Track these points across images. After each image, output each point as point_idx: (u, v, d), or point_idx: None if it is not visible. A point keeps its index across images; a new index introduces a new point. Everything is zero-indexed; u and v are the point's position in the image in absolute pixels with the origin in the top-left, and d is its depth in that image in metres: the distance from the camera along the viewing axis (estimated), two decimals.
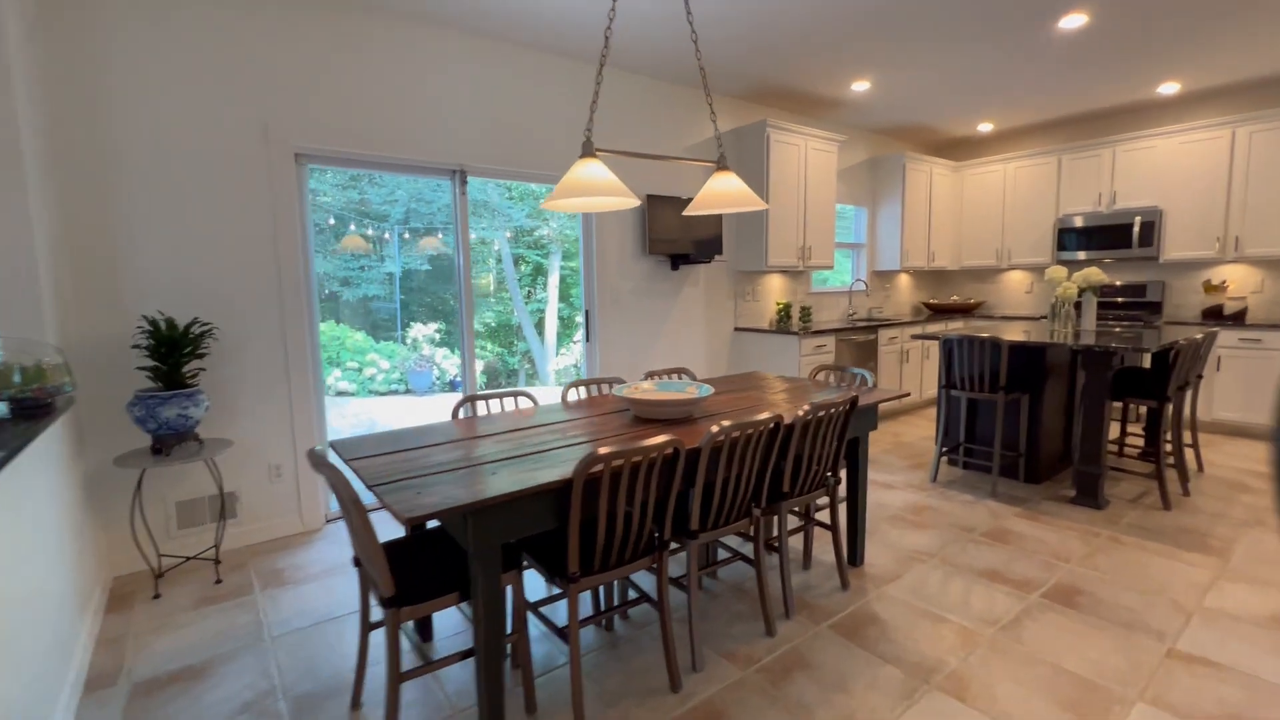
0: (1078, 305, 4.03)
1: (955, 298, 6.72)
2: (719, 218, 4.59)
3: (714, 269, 4.89)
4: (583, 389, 2.93)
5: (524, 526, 1.65)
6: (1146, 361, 4.46)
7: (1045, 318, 5.64)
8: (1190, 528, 3.03)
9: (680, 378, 3.25)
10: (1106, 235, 5.42)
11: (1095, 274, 3.87)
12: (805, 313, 5.25)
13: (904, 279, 6.66)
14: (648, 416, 2.27)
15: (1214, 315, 5.02)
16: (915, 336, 4.11)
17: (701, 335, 4.87)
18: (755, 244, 4.80)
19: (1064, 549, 2.82)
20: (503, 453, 1.88)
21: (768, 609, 2.21)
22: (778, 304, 5.22)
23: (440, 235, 7.51)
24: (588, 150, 2.04)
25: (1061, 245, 5.69)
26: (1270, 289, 4.94)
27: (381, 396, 8.89)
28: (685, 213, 2.53)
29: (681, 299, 4.70)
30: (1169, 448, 3.67)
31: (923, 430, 5.11)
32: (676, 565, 2.75)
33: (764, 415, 2.00)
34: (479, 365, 8.47)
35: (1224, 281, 5.06)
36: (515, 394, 2.74)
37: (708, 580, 2.60)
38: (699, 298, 4.81)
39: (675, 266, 4.57)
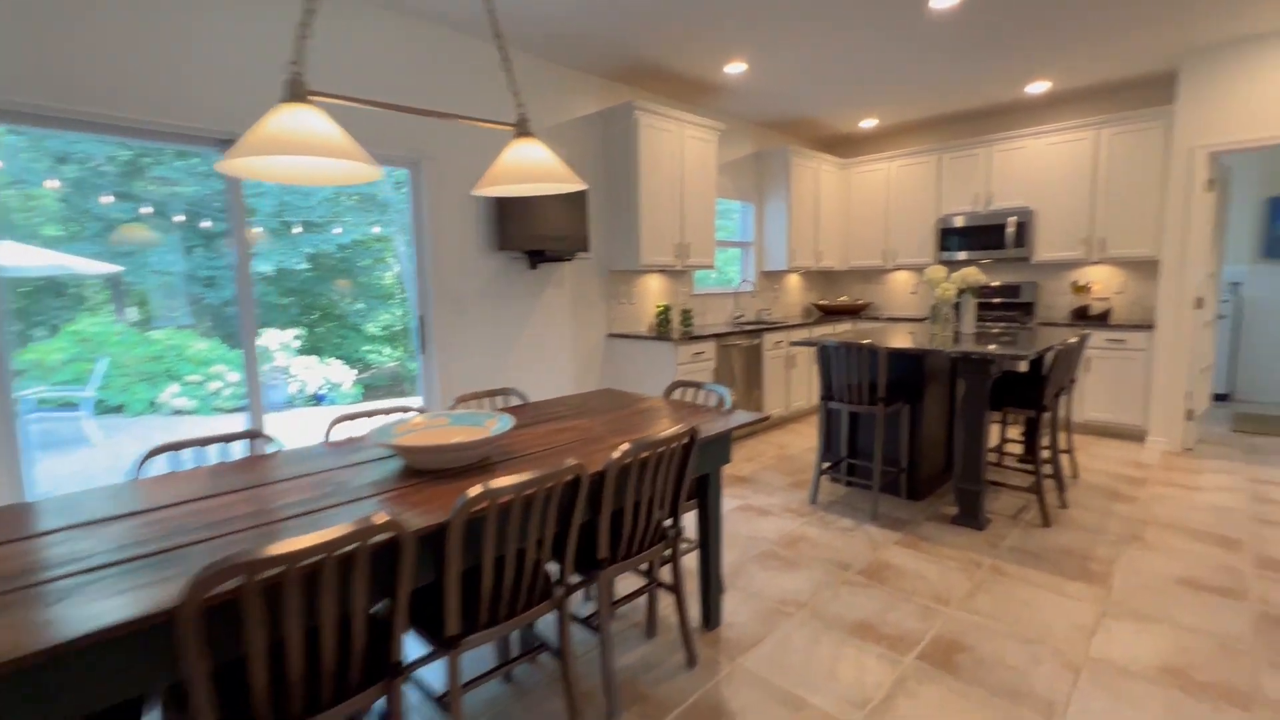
0: (957, 306, 3.82)
1: (844, 299, 6.57)
2: (581, 207, 4.05)
3: (582, 268, 4.35)
4: (390, 417, 2.27)
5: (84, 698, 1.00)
6: (1025, 367, 4.37)
7: (928, 319, 5.54)
8: (1070, 548, 2.80)
9: (502, 400, 2.66)
10: (984, 236, 5.37)
11: (973, 274, 3.65)
12: (687, 316, 4.82)
13: (793, 279, 6.42)
14: (425, 467, 1.67)
15: (1082, 316, 5.05)
16: (795, 344, 3.75)
17: (568, 343, 4.30)
18: (627, 240, 4.30)
19: (945, 586, 2.49)
20: (102, 553, 1.21)
21: (576, 708, 1.66)
22: (657, 307, 4.75)
23: (332, 229, 6.49)
24: (296, 94, 1.41)
25: (943, 245, 5.60)
26: (1132, 289, 5.03)
27: (228, 414, 7.69)
28: (474, 191, 1.95)
29: (543, 302, 4.12)
30: (1046, 454, 3.50)
31: (810, 440, 4.81)
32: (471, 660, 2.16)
33: (562, 465, 1.45)
34: (359, 373, 7.38)
35: (1089, 283, 5.11)
36: (227, 439, 2.04)
37: (524, 669, 2.03)
38: (564, 301, 4.25)
39: (534, 264, 3.98)
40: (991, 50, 4.00)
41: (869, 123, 5.79)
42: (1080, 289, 5.10)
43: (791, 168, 5.62)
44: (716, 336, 4.41)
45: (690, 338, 4.20)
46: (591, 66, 4.17)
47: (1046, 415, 3.15)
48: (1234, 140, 3.96)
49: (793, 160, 5.62)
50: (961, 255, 5.51)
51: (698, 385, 2.63)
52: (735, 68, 4.20)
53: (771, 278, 6.09)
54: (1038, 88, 4.80)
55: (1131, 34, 3.79)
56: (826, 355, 3.39)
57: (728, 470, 4.09)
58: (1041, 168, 5.09)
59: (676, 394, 3.38)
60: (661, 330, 4.67)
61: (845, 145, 6.66)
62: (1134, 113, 4.61)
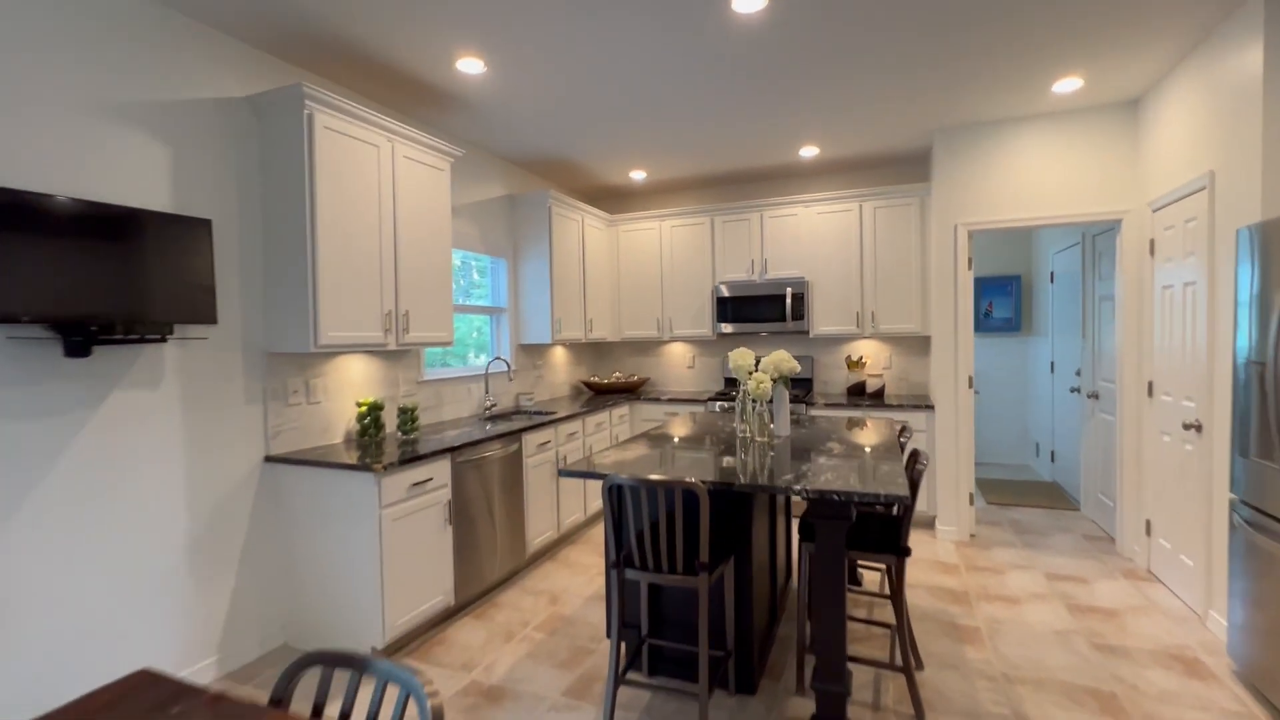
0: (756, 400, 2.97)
1: (618, 375, 5.62)
2: (198, 249, 2.31)
3: (207, 351, 2.54)
4: None
5: None
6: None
7: (714, 402, 4.82)
8: None
9: None
10: (762, 306, 4.88)
11: (784, 360, 2.85)
12: (409, 417, 3.26)
13: (558, 354, 5.27)
14: None
15: (859, 393, 4.79)
16: (564, 440, 2.49)
17: (179, 485, 2.42)
18: (295, 306, 2.65)
19: None
20: None
21: None
22: (360, 405, 3.11)
23: None
24: None
25: (721, 315, 5.00)
26: (897, 365, 4.92)
27: None
28: None
29: (106, 418, 2.21)
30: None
31: (592, 574, 3.55)
32: None
33: None
34: None
35: (862, 357, 4.91)
36: None
37: None
38: (166, 409, 2.39)
39: (78, 350, 2.09)
40: (770, 98, 3.43)
41: (638, 175, 5.03)
42: (855, 364, 4.85)
43: (553, 217, 4.52)
44: (449, 451, 2.94)
45: (408, 459, 2.67)
46: (259, 39, 2.54)
47: (905, 561, 2.35)
48: (985, 220, 3.94)
49: (554, 209, 4.54)
50: (735, 328, 4.94)
51: (348, 662, 1.14)
52: (470, 65, 2.95)
53: (532, 353, 4.84)
54: (808, 152, 4.49)
55: (887, 107, 3.55)
56: (618, 498, 2.19)
57: (466, 681, 2.58)
58: (813, 237, 4.79)
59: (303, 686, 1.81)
60: (366, 440, 3.03)
61: (613, 199, 5.86)
62: (894, 188, 4.53)
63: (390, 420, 3.39)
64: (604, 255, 5.37)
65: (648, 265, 5.34)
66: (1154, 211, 3.39)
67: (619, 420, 4.89)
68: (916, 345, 4.85)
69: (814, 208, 4.77)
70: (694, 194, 5.56)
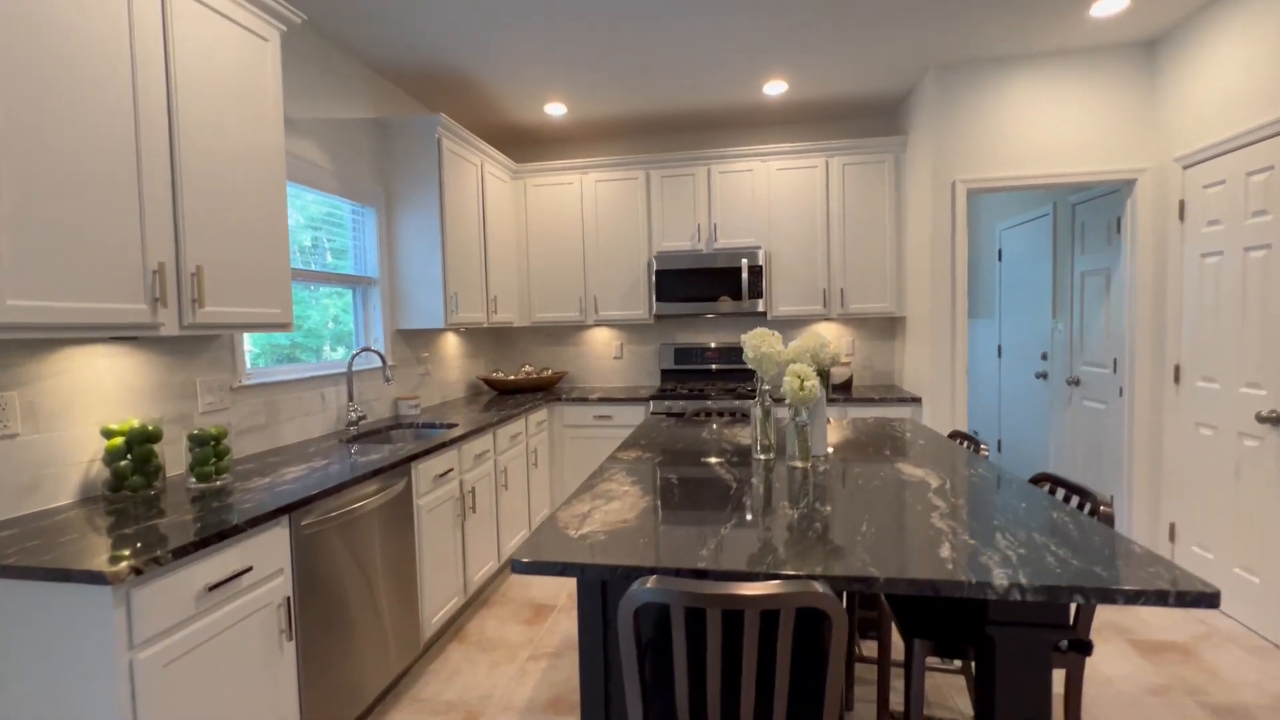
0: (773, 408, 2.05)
1: (528, 369, 4.46)
2: None
3: None
4: None
5: None
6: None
7: (660, 401, 3.84)
8: None
9: None
10: (710, 282, 3.98)
11: (824, 345, 1.95)
12: (213, 449, 1.91)
13: (451, 344, 4.01)
14: None
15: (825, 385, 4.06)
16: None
17: None
18: None
19: None
20: None
21: None
22: (111, 435, 1.74)
23: None
24: None
25: (660, 293, 4.03)
26: (861, 352, 4.27)
27: None
28: None
29: None
30: None
31: (516, 659, 2.43)
32: None
33: None
34: None
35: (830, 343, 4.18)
36: None
37: None
38: None
39: None
40: (731, 9, 2.50)
41: (556, 109, 3.89)
42: None
43: (445, 155, 3.27)
44: (286, 511, 1.68)
45: (200, 541, 1.40)
46: None
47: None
48: (989, 178, 3.32)
49: (446, 143, 3.29)
50: (680, 308, 4.01)
51: None
52: None
53: (415, 342, 3.56)
54: (775, 88, 3.63)
55: (879, 31, 2.78)
56: (661, 628, 1.16)
57: None
58: (772, 199, 3.97)
59: None
60: (122, 499, 1.68)
61: (522, 144, 4.65)
62: (866, 140, 3.82)
63: (177, 456, 2.03)
64: (509, 215, 4.18)
65: (566, 230, 4.23)
66: (1185, 169, 2.92)
67: (538, 428, 3.76)
68: (882, 328, 4.22)
69: (773, 161, 3.94)
70: (626, 140, 4.52)
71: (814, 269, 3.95)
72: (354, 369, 2.97)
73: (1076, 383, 3.82)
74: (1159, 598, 0.99)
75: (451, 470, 2.65)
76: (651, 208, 4.11)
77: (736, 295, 3.95)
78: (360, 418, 2.88)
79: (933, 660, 2.36)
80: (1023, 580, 1.03)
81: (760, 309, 3.93)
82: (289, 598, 1.68)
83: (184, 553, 1.34)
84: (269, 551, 1.61)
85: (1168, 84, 3.02)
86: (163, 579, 1.31)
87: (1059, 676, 2.17)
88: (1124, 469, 3.31)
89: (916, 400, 3.57)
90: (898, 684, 2.25)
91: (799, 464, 1.87)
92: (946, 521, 1.35)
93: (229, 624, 1.48)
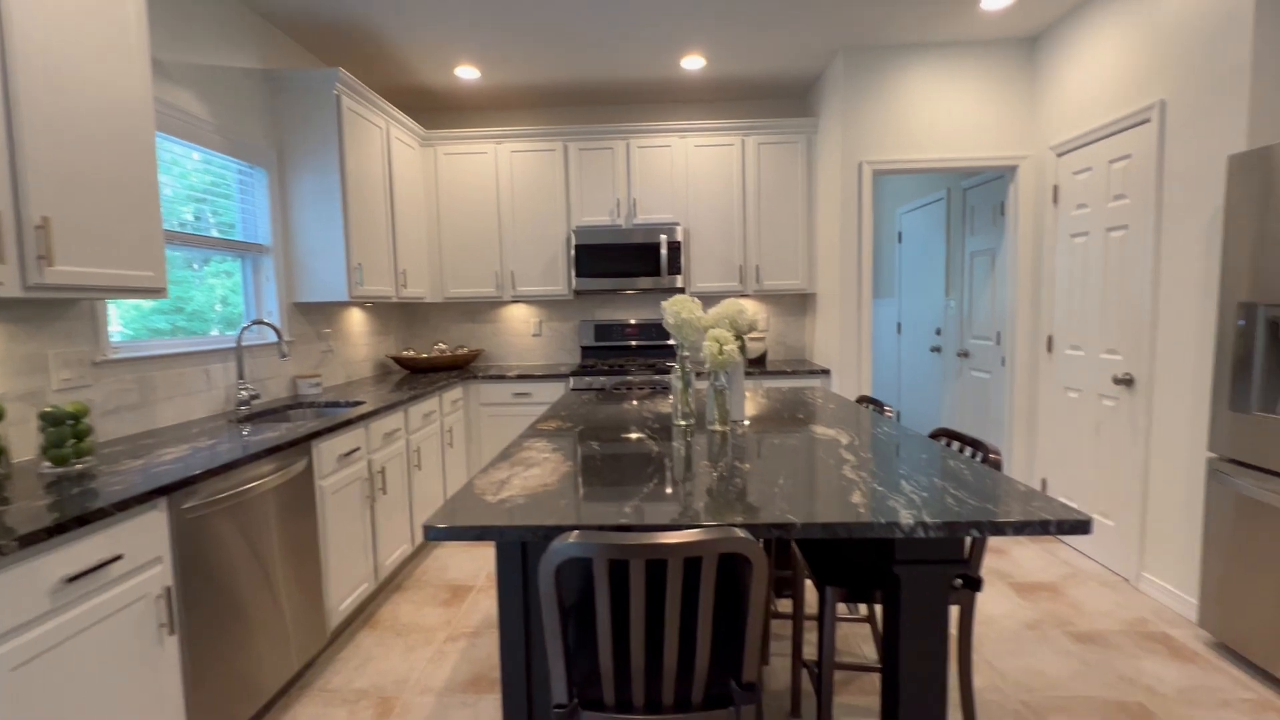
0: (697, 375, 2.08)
1: (441, 346, 4.28)
2: None
3: None
4: None
5: None
6: None
7: (580, 377, 3.80)
8: None
9: None
10: (630, 258, 3.97)
11: (742, 311, 1.99)
12: (72, 428, 1.68)
13: (356, 319, 3.77)
14: None
15: None
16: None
17: None
18: None
19: None
20: None
21: None
22: None
23: None
24: None
25: (580, 269, 3.98)
26: (775, 327, 4.41)
27: None
28: None
29: None
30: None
31: (442, 643, 2.35)
32: None
33: None
34: None
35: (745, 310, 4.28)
36: None
37: None
38: None
39: None
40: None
41: (468, 73, 3.71)
42: None
43: (345, 114, 3.04)
44: (164, 492, 1.51)
45: (54, 527, 1.22)
46: None
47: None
48: (892, 159, 3.50)
49: (346, 102, 3.05)
50: (600, 284, 3.98)
51: None
52: None
53: (314, 316, 3.31)
54: (693, 63, 3.63)
55: (791, 10, 2.87)
56: (585, 582, 1.13)
57: None
58: (690, 175, 4.00)
59: None
60: None
61: (433, 109, 4.41)
62: (780, 121, 3.92)
63: (26, 439, 1.78)
64: (418, 184, 3.96)
65: (481, 202, 4.07)
66: (1059, 156, 3.20)
67: (453, 407, 3.62)
68: (794, 305, 4.38)
69: (691, 139, 3.96)
70: (544, 111, 4.38)
71: (731, 246, 4.03)
72: (244, 344, 2.72)
73: (965, 355, 4.14)
74: (1041, 527, 1.09)
75: (358, 449, 2.50)
76: (570, 181, 4.03)
77: (656, 271, 3.96)
78: (253, 397, 2.64)
79: (842, 611, 2.50)
80: (926, 519, 1.09)
81: (679, 285, 3.96)
82: (169, 588, 1.52)
83: (32, 541, 1.17)
84: (144, 538, 1.45)
85: (1047, 77, 3.29)
86: (6, 572, 1.14)
87: (954, 613, 2.36)
88: (1005, 431, 3.63)
89: (826, 372, 3.74)
90: (811, 637, 2.37)
91: (718, 428, 1.90)
92: (856, 473, 1.41)
93: (96, 619, 1.32)
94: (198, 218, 2.57)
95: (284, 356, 2.66)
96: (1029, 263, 3.44)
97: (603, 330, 4.32)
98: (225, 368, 2.61)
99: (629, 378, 3.79)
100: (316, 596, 2.19)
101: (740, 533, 0.97)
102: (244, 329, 2.63)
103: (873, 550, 1.65)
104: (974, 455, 1.63)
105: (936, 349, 4.63)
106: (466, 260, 4.10)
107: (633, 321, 4.30)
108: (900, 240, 5.33)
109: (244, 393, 2.59)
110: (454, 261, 4.10)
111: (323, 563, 2.24)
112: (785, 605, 2.59)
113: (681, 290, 4.03)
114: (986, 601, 2.61)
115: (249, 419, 2.49)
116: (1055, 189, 3.24)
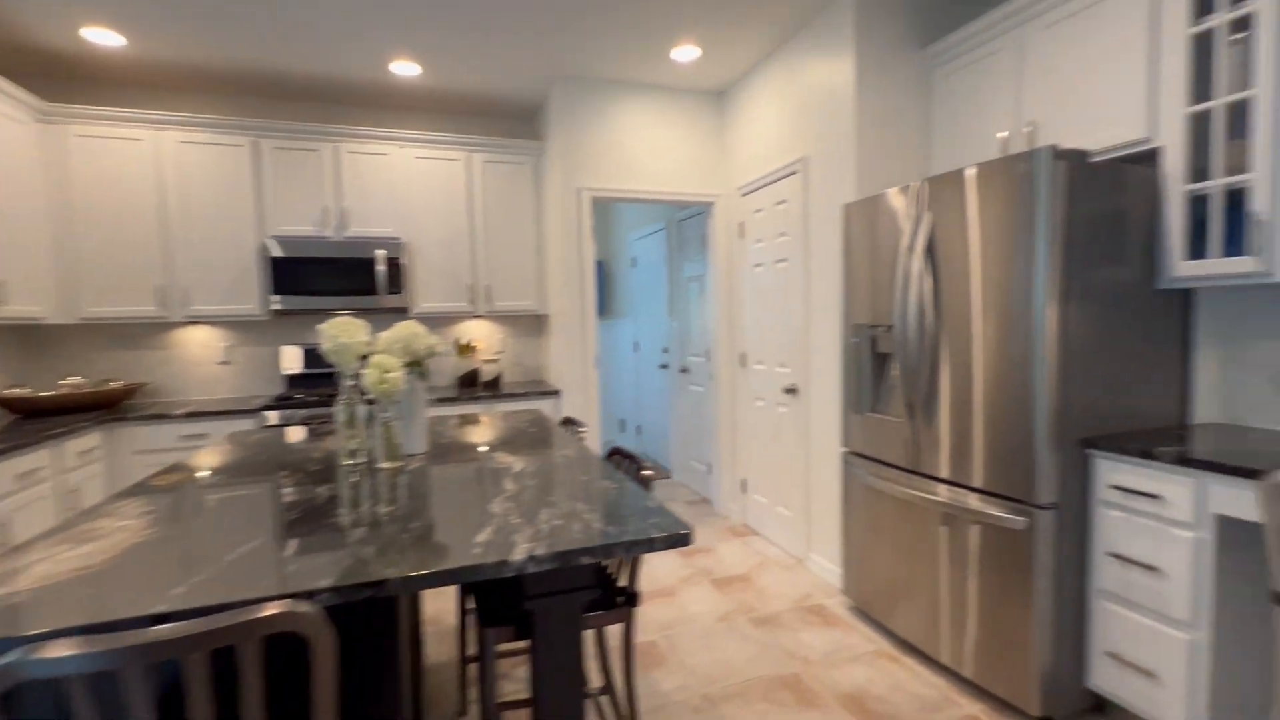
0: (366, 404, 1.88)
1: (74, 380, 3.32)
2: None
3: None
4: None
5: None
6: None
7: (273, 412, 3.25)
8: None
9: None
10: (342, 273, 3.56)
11: (418, 336, 1.84)
12: None
13: None
14: None
15: (470, 383, 4.01)
16: None
17: None
18: None
19: None
20: None
21: None
22: None
23: None
24: None
25: (278, 285, 3.44)
26: (511, 349, 4.34)
27: None
28: None
29: None
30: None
31: None
32: None
33: None
34: None
35: (471, 341, 4.14)
36: None
37: None
38: None
39: None
40: None
41: (104, 36, 2.97)
42: (466, 349, 4.04)
43: None
44: None
45: None
46: None
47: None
48: (607, 188, 3.69)
49: None
50: (305, 302, 3.50)
51: None
52: None
53: None
54: (405, 69, 3.40)
55: (504, 36, 2.90)
56: (60, 704, 0.83)
57: None
58: (413, 188, 3.74)
59: None
60: None
61: (58, 78, 3.43)
62: (507, 141, 3.89)
63: None
64: (34, 172, 3.05)
65: (135, 200, 3.28)
66: (743, 195, 3.69)
67: (80, 460, 2.81)
68: (530, 326, 4.37)
69: (412, 149, 3.71)
70: (231, 100, 3.71)
71: (460, 265, 3.86)
72: None
73: (686, 371, 4.54)
74: (648, 545, 1.12)
75: None
76: (264, 183, 3.47)
77: (372, 290, 3.60)
78: None
79: (518, 645, 2.45)
80: (539, 552, 1.06)
81: (402, 304, 3.66)
82: None
83: None
84: None
85: (732, 127, 3.78)
86: None
87: (617, 630, 2.47)
88: (715, 439, 4.04)
89: (557, 393, 3.77)
90: (521, 672, 2.28)
91: (386, 465, 1.71)
92: (505, 504, 1.35)
93: None
94: None
95: None
96: (725, 289, 3.90)
97: (314, 356, 3.79)
98: None
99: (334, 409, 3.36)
100: None
101: (304, 606, 0.81)
102: None
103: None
104: (636, 471, 1.70)
105: (664, 366, 5.00)
106: (114, 271, 3.26)
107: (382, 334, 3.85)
108: (634, 265, 5.70)
109: None
110: (95, 273, 3.24)
111: None
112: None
113: (404, 311, 3.73)
114: (691, 601, 2.81)
115: None
116: (741, 225, 3.72)
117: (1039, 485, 1.85)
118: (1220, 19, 1.76)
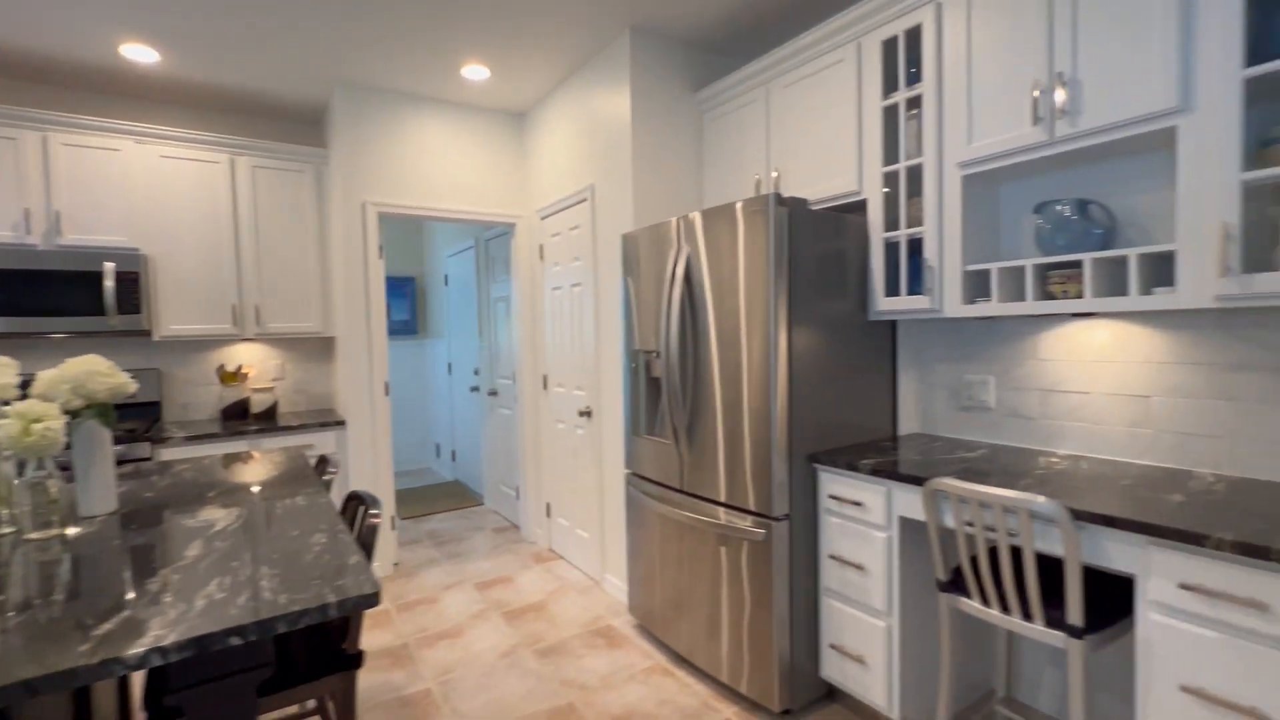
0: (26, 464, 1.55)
1: None
2: None
3: None
4: None
5: None
6: None
7: None
8: None
9: None
10: (53, 291, 2.95)
11: (96, 373, 1.55)
12: None
13: None
14: None
15: (238, 415, 3.53)
16: None
17: None
18: None
19: None
20: None
21: None
22: None
23: None
24: None
25: None
26: (293, 375, 3.90)
27: None
28: None
29: None
30: None
31: None
32: None
33: None
34: None
35: (241, 367, 3.65)
36: None
37: None
38: None
39: None
40: None
41: None
42: (232, 376, 3.55)
43: None
44: None
45: None
46: None
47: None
48: (394, 203, 3.48)
49: None
50: (4, 325, 2.85)
51: None
52: None
53: None
54: (138, 53, 2.92)
55: (279, 33, 2.64)
56: None
57: None
58: (155, 192, 3.21)
59: None
60: None
61: None
62: (282, 146, 3.50)
63: None
64: None
65: None
66: (542, 219, 3.68)
67: None
68: (316, 349, 3.97)
69: (153, 146, 3.20)
70: None
71: (222, 282, 3.39)
72: None
73: (495, 393, 4.42)
74: (321, 612, 1.02)
75: None
76: None
77: (99, 310, 3.03)
78: None
79: None
80: (168, 641, 0.91)
81: (140, 326, 3.12)
82: None
83: None
84: None
85: (532, 149, 3.77)
86: None
87: (377, 684, 2.32)
88: (521, 462, 3.96)
89: (341, 424, 3.45)
90: None
91: (35, 535, 1.40)
92: (170, 577, 1.16)
93: None
94: None
95: None
96: (528, 310, 3.86)
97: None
98: None
99: None
100: None
101: None
102: None
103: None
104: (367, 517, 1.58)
105: (475, 388, 4.83)
106: None
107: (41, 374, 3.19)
108: (447, 283, 5.46)
109: None
110: None
111: None
112: None
113: (147, 333, 3.18)
114: (476, 639, 2.70)
115: None
116: (541, 248, 3.72)
117: (775, 499, 2.04)
118: (900, 96, 2.10)
